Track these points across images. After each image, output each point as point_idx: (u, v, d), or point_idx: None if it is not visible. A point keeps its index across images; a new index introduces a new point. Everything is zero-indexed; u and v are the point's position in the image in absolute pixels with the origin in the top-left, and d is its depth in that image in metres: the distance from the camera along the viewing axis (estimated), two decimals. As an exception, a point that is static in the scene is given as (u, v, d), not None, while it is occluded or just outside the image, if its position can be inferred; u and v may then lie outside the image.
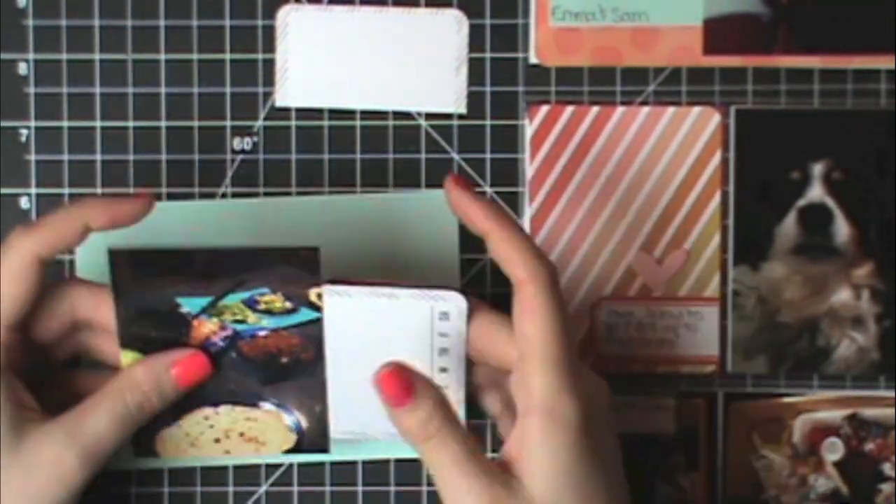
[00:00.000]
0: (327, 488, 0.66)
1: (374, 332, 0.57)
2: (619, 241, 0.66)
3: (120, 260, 0.56)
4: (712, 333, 0.66)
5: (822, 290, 0.66)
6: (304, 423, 0.61)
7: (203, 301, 0.57)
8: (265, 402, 0.61)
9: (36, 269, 0.56)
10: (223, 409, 0.61)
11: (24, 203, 0.66)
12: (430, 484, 0.66)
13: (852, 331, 0.66)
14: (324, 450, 0.61)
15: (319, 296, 0.57)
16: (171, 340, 0.58)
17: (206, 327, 0.58)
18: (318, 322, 0.58)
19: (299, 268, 0.56)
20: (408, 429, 0.55)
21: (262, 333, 0.59)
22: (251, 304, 0.58)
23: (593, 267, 0.66)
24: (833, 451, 0.66)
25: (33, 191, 0.66)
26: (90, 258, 0.65)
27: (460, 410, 0.59)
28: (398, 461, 0.66)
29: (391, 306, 0.57)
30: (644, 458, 0.66)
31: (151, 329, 0.58)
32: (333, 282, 0.57)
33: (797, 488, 0.66)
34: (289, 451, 0.62)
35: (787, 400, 0.66)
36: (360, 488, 0.66)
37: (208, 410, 0.60)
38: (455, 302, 0.57)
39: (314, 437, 0.61)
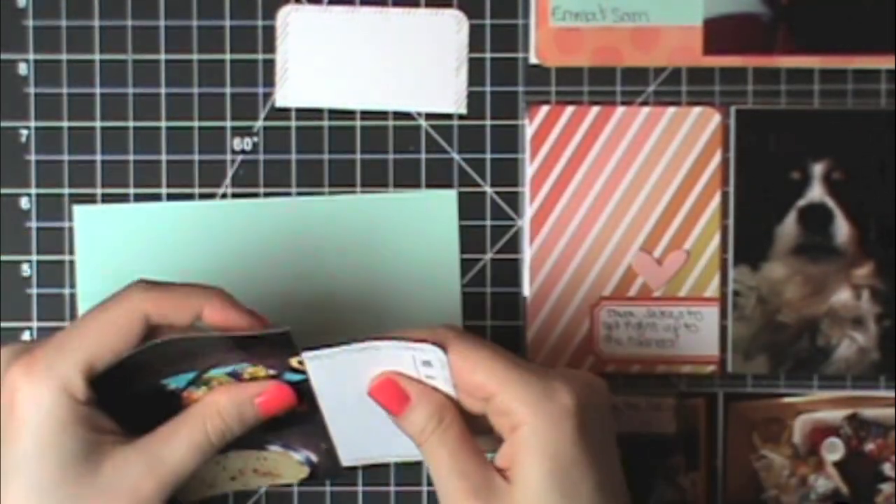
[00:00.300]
0: (327, 488, 0.66)
1: (362, 380, 0.56)
2: (619, 241, 0.66)
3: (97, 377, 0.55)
4: (712, 333, 0.66)
5: (822, 290, 0.66)
6: (314, 458, 0.61)
7: (188, 376, 0.56)
8: (271, 444, 0.61)
9: (139, 327, 0.55)
10: (232, 454, 0.61)
11: (24, 203, 0.65)
12: (430, 484, 0.65)
13: (852, 331, 0.66)
14: (339, 475, 0.61)
15: (301, 362, 0.56)
16: (166, 413, 0.57)
17: (197, 395, 0.57)
18: (305, 381, 0.57)
19: (273, 347, 0.55)
20: (409, 433, 0.56)
21: None
22: (235, 375, 0.57)
23: (593, 267, 0.66)
24: (833, 451, 0.66)
25: (33, 191, 0.66)
26: (91, 259, 0.65)
27: None
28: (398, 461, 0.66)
29: (373, 357, 0.55)
30: (644, 458, 0.66)
31: (143, 407, 0.56)
32: (310, 348, 0.55)
33: (797, 488, 0.66)
34: (305, 481, 0.62)
35: (787, 400, 0.66)
36: (360, 488, 0.66)
37: (218, 456, 0.60)
38: (435, 353, 0.54)
39: (327, 468, 0.61)
